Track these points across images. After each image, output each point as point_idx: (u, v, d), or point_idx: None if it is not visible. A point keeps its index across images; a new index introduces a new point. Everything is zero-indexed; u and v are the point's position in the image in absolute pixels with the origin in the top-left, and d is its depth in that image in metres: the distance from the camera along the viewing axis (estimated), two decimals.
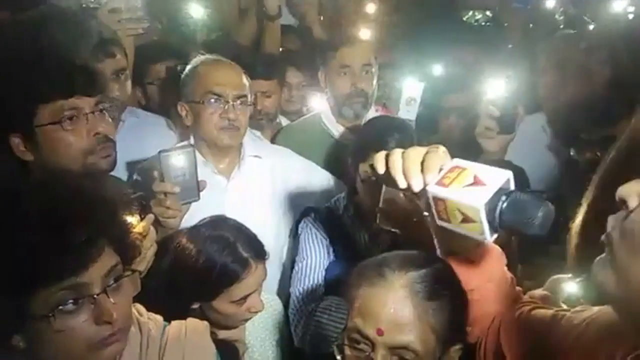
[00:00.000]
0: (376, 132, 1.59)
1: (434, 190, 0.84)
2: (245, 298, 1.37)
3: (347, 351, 0.99)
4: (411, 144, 1.52)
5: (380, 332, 0.95)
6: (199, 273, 1.35)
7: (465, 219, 0.82)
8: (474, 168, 0.84)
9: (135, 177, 1.74)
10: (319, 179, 1.94)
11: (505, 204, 0.81)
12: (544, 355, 1.00)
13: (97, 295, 0.90)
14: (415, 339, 0.95)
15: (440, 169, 0.86)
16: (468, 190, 0.81)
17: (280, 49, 2.73)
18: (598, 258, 0.77)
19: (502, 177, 0.82)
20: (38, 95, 1.28)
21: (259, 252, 1.41)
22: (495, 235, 0.84)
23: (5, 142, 1.31)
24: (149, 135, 1.90)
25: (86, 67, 1.36)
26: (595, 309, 0.98)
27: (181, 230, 1.46)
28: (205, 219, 1.48)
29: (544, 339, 1.02)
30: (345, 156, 2.11)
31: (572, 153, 1.91)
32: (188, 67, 1.76)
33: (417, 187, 0.88)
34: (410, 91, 2.09)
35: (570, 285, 1.27)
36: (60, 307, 0.87)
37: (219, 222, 1.45)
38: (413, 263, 1.01)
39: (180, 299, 1.35)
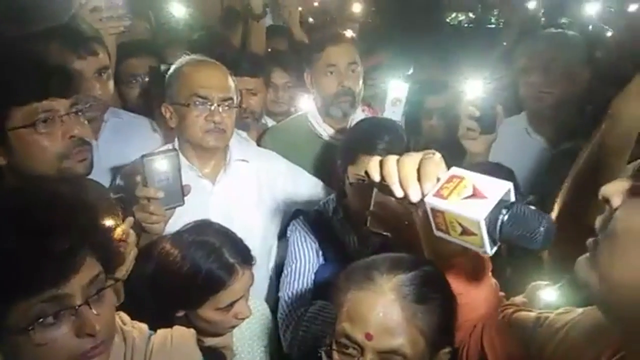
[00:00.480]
0: (365, 134, 1.57)
1: (432, 201, 0.82)
2: (232, 305, 1.35)
3: (336, 356, 0.98)
4: (401, 145, 1.54)
5: (369, 337, 0.94)
6: (184, 280, 1.31)
7: (465, 232, 0.80)
8: (472, 178, 0.83)
9: (118, 181, 1.70)
10: (305, 183, 1.92)
11: (506, 217, 0.79)
12: None
13: (79, 306, 0.86)
14: (404, 343, 0.94)
15: (438, 179, 0.84)
16: (468, 202, 0.80)
17: (269, 50, 2.72)
18: (581, 257, 0.76)
19: (502, 189, 0.81)
20: (11, 97, 1.23)
21: (246, 258, 1.38)
22: (495, 248, 0.82)
23: None
24: (132, 137, 1.86)
25: (60, 67, 1.32)
26: (579, 310, 0.98)
27: (165, 235, 1.43)
28: (189, 223, 1.44)
29: (526, 345, 1.01)
30: (333, 157, 2.12)
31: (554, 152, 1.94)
32: (172, 68, 1.72)
33: (415, 198, 0.85)
34: (396, 92, 2.10)
35: (548, 293, 1.28)
36: (40, 320, 0.83)
37: (203, 227, 1.42)
38: (402, 266, 1.00)
39: (164, 307, 1.32)
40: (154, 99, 1.99)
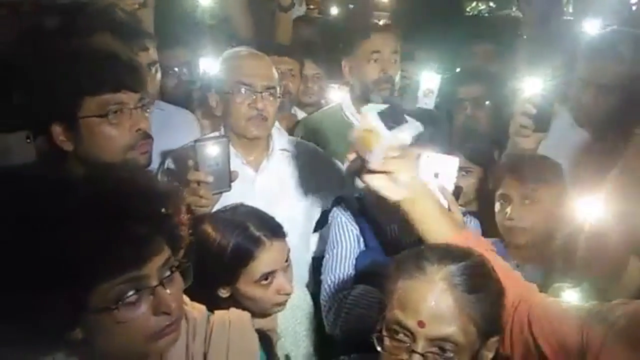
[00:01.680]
0: None
1: None
2: (267, 278, 1.38)
3: (387, 342, 1.01)
4: (443, 135, 1.56)
5: (421, 325, 0.97)
6: (214, 256, 1.36)
7: None
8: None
9: (167, 164, 1.75)
10: (341, 174, 1.92)
11: None
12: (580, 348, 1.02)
13: (155, 286, 0.91)
14: (456, 330, 0.97)
15: None
16: None
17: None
18: None
19: None
20: (86, 87, 1.28)
21: (274, 230, 1.41)
22: None
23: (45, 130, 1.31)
24: (174, 129, 1.90)
25: (133, 62, 1.36)
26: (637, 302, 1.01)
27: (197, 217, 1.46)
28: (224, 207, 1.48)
29: (576, 328, 1.04)
30: None
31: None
32: (220, 59, 1.78)
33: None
34: (428, 83, 2.11)
35: (570, 294, 1.30)
36: (122, 300, 0.88)
37: (232, 209, 1.47)
38: (451, 256, 1.03)
39: (204, 285, 1.36)
40: (194, 90, 2.04)
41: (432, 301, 0.98)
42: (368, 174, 1.16)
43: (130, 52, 1.42)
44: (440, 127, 1.61)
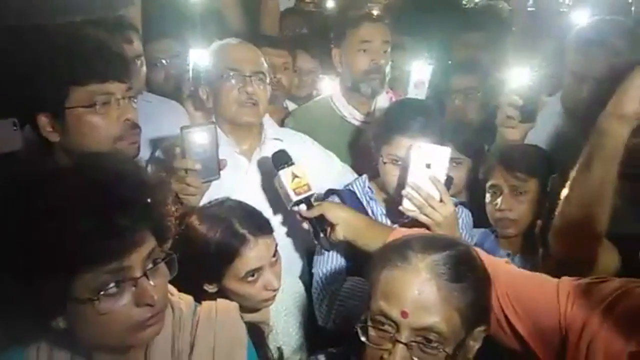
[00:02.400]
0: (400, 114, 1.59)
1: None
2: (253, 274, 1.37)
3: (372, 332, 1.00)
4: (435, 126, 1.56)
5: (404, 315, 0.96)
6: (198, 251, 1.35)
7: None
8: None
9: (157, 154, 1.74)
10: (336, 167, 1.94)
11: None
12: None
13: (139, 278, 0.91)
14: (439, 320, 0.96)
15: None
16: None
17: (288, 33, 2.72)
18: None
19: None
20: (73, 77, 1.27)
21: (260, 226, 1.40)
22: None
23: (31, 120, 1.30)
24: (162, 120, 1.87)
25: (120, 52, 1.35)
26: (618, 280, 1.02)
27: (184, 211, 1.46)
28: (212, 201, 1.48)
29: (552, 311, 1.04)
30: (357, 139, 2.13)
31: None
32: (208, 51, 1.77)
33: None
34: (419, 74, 2.10)
35: None
36: (104, 291, 0.88)
37: (219, 203, 1.46)
38: (435, 245, 1.02)
39: (190, 280, 1.35)
40: (182, 82, 2.02)
41: (416, 291, 0.97)
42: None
43: (117, 42, 1.40)
44: (432, 117, 1.59)
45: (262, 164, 1.76)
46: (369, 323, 1.01)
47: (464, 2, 4.96)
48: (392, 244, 1.07)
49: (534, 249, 1.61)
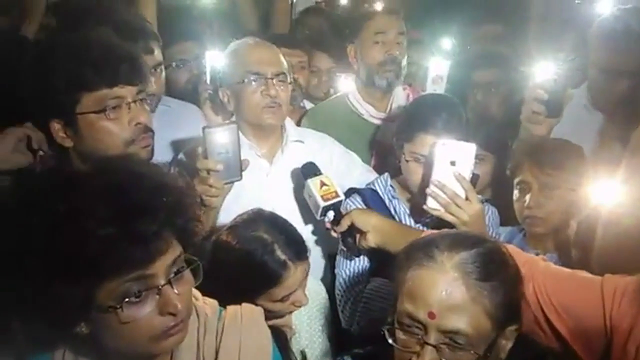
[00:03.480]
0: (423, 111, 1.56)
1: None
2: (288, 296, 1.37)
3: (399, 334, 0.98)
4: (459, 123, 1.53)
5: (432, 316, 0.94)
6: (237, 274, 1.33)
7: None
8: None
9: (180, 156, 1.73)
10: (358, 167, 1.92)
11: None
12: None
13: (162, 286, 0.89)
14: (468, 322, 0.93)
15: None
16: None
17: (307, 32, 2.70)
18: None
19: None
20: (82, 82, 1.27)
21: (299, 253, 1.38)
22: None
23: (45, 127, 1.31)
24: (181, 124, 1.86)
25: (130, 55, 1.34)
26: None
27: (220, 227, 1.45)
28: (243, 214, 1.45)
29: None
30: (373, 137, 2.12)
31: None
32: (226, 52, 1.76)
33: None
34: (437, 70, 2.07)
35: None
36: (127, 299, 0.87)
37: (257, 220, 1.41)
38: (463, 243, 0.99)
39: (221, 298, 1.34)
40: (199, 84, 2.02)
41: (443, 291, 0.94)
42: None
43: (127, 45, 1.40)
44: (456, 113, 1.56)
45: (283, 166, 1.75)
46: (396, 325, 0.99)
47: None
48: (418, 243, 1.04)
49: (565, 248, 1.55)
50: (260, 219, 1.42)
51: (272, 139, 1.76)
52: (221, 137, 1.41)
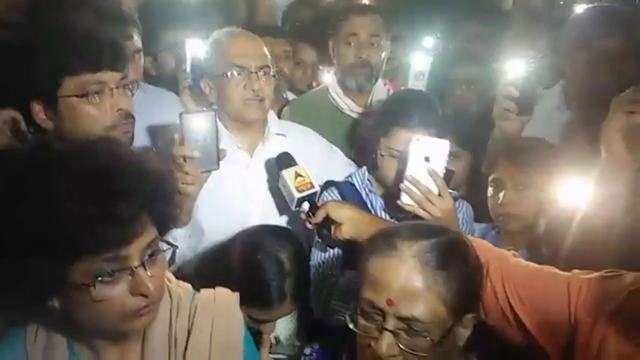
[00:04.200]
0: (399, 106, 1.58)
1: None
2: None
3: (360, 320, 1.01)
4: (435, 118, 1.55)
5: (390, 303, 0.96)
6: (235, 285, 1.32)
7: None
8: None
9: (159, 143, 1.72)
10: (339, 161, 1.93)
11: None
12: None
13: (136, 267, 0.92)
14: (424, 310, 0.96)
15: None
16: None
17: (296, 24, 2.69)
18: None
19: None
20: (66, 66, 1.27)
21: (298, 293, 1.45)
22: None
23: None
24: (157, 110, 1.80)
25: (114, 41, 1.34)
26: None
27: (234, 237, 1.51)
28: (251, 228, 1.52)
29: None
30: (353, 130, 2.12)
31: None
32: (208, 42, 1.74)
33: None
34: (419, 65, 2.08)
35: None
36: (100, 278, 0.89)
37: (275, 241, 1.48)
38: (424, 233, 1.02)
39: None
40: (179, 73, 2.00)
41: (402, 278, 0.96)
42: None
43: (111, 32, 1.40)
44: (432, 109, 1.58)
45: (264, 159, 1.75)
46: (358, 312, 1.01)
47: None
48: (382, 232, 1.06)
49: (535, 246, 1.58)
50: (274, 240, 1.49)
51: (253, 132, 1.75)
52: (198, 123, 1.39)
